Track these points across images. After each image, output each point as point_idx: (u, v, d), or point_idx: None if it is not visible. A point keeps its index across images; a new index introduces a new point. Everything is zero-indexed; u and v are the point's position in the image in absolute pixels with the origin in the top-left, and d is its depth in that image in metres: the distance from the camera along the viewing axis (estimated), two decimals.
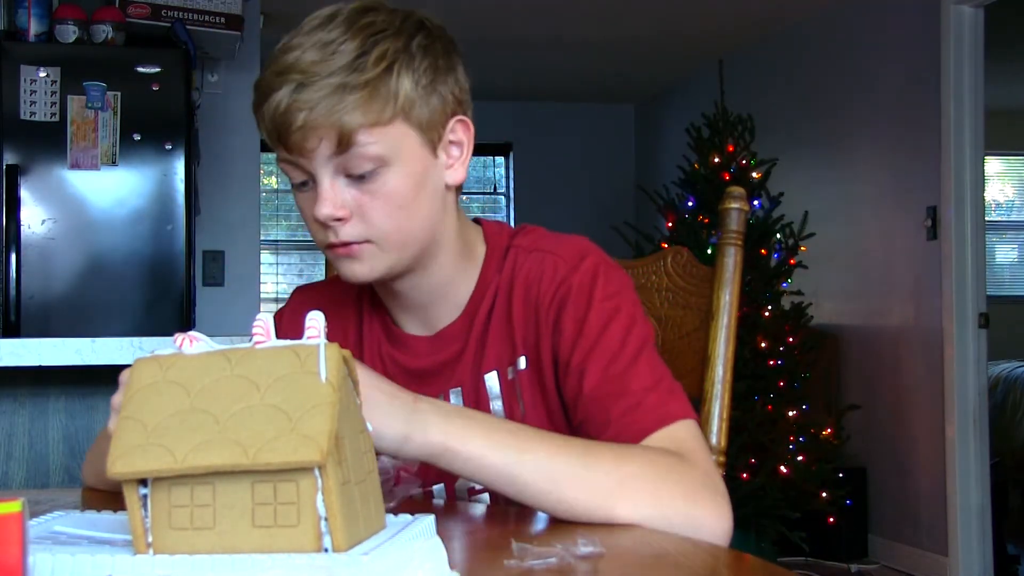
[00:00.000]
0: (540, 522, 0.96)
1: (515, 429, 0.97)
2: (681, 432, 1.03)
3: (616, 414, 1.04)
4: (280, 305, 1.34)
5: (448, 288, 1.15)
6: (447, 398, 1.15)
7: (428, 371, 1.17)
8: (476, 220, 1.21)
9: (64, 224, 3.51)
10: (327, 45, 1.02)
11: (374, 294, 1.21)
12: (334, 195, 1.04)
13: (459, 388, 1.15)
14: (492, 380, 1.14)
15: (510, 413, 1.13)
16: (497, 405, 1.14)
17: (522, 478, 0.94)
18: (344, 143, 1.02)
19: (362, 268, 1.08)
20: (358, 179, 1.04)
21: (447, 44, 1.10)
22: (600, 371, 1.07)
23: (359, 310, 1.22)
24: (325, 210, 1.04)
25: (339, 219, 1.05)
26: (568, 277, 1.12)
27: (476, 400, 1.14)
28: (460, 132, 1.11)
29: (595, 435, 1.06)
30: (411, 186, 1.06)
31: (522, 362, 1.13)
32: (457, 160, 1.12)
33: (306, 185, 1.07)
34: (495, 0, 5.15)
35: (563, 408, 1.12)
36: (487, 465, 0.94)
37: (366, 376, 0.89)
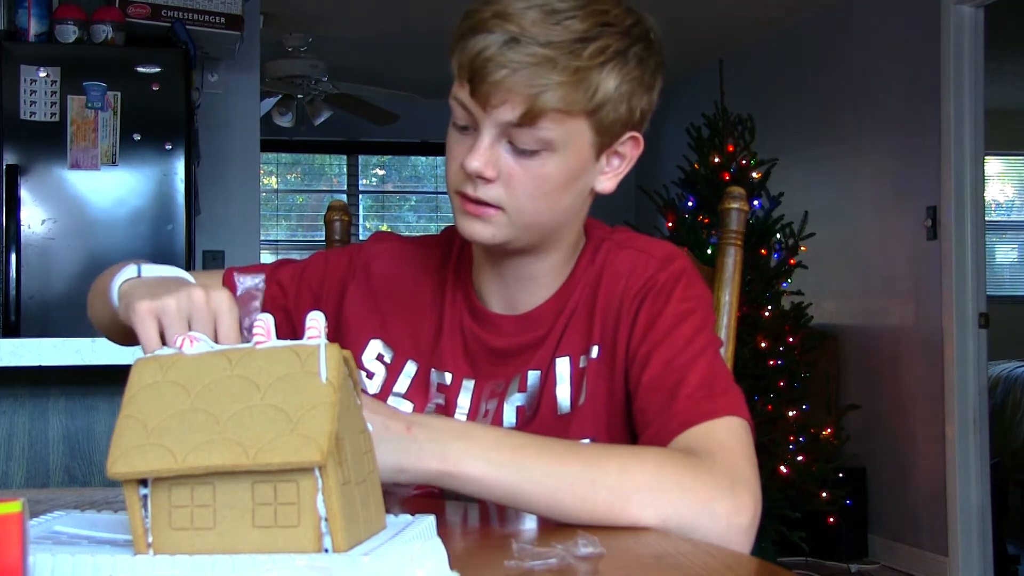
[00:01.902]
0: (540, 522, 0.96)
1: (519, 445, 0.95)
2: (720, 429, 1.02)
3: (664, 406, 1.05)
4: None
5: (547, 275, 1.16)
6: (524, 379, 1.15)
7: (509, 351, 1.17)
8: None
9: (64, 224, 3.51)
10: (554, 13, 1.01)
11: (459, 265, 1.21)
12: (490, 155, 1.04)
13: (538, 371, 1.15)
14: (563, 365, 1.14)
15: (574, 399, 1.13)
16: (563, 389, 1.14)
17: (524, 496, 0.93)
18: (528, 118, 1.01)
19: (484, 231, 1.08)
20: (519, 152, 1.04)
21: (658, 63, 1.10)
22: (662, 364, 1.08)
23: (441, 279, 1.21)
24: (476, 163, 1.04)
25: (485, 178, 1.05)
26: (655, 275, 1.13)
27: (545, 382, 1.14)
28: (628, 147, 1.12)
29: (644, 425, 1.06)
30: (564, 178, 1.07)
31: (595, 351, 1.14)
32: (613, 171, 1.12)
33: (466, 130, 1.06)
34: None
35: (627, 399, 1.12)
36: (487, 487, 0.93)
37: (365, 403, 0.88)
